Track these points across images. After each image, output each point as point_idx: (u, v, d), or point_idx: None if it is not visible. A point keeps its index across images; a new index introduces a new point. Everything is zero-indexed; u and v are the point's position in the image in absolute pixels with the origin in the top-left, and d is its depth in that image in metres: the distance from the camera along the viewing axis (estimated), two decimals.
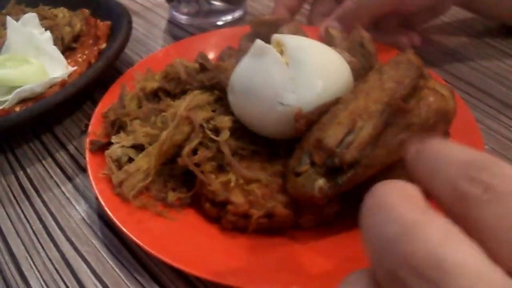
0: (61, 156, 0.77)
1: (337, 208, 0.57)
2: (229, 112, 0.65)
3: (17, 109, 0.79)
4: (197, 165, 0.61)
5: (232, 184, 0.59)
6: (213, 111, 0.67)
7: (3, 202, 0.71)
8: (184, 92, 0.71)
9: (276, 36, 0.63)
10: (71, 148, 0.79)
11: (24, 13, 0.99)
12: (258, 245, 0.58)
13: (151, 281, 0.59)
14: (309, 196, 0.52)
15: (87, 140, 0.70)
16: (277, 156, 0.62)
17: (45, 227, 0.67)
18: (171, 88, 0.73)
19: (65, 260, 0.62)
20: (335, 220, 0.58)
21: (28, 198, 0.71)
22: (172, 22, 1.11)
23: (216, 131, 0.63)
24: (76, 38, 0.97)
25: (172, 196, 0.63)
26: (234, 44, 0.85)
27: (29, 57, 0.86)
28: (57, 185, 0.73)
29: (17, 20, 0.93)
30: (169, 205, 0.63)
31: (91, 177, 0.64)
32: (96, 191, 0.62)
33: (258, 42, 0.61)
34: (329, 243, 0.57)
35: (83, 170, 0.74)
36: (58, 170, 0.75)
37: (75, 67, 0.87)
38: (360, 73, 0.66)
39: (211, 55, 0.85)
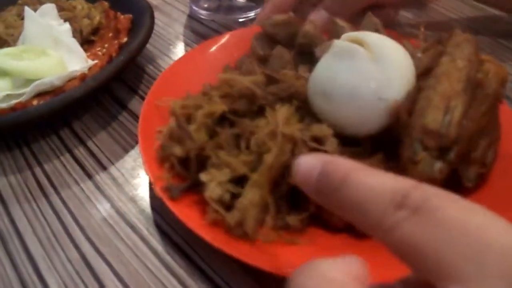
0: (80, 152, 0.75)
1: None
2: (316, 120, 0.63)
3: (35, 102, 0.77)
4: None
5: None
6: (301, 120, 0.64)
7: (19, 199, 0.68)
8: (261, 110, 0.65)
9: (352, 34, 0.64)
10: (90, 144, 0.77)
11: (41, 3, 0.97)
12: None
13: (177, 284, 0.57)
14: (432, 179, 0.56)
15: (157, 188, 0.60)
16: (366, 152, 0.63)
17: (63, 226, 0.64)
18: (244, 107, 0.65)
19: (85, 261, 0.60)
20: None
21: (45, 195, 0.69)
22: (192, 17, 1.09)
23: (316, 141, 0.60)
24: (95, 31, 0.95)
25: (293, 220, 0.59)
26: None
27: (47, 49, 0.83)
28: (76, 182, 0.70)
29: (34, 10, 0.91)
30: (290, 230, 0.60)
31: (194, 229, 0.57)
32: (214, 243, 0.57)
33: (343, 43, 0.62)
34: None
35: (104, 167, 0.72)
36: (77, 167, 0.73)
37: (96, 61, 0.85)
38: None
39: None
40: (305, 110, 0.65)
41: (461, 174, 0.62)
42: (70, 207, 0.67)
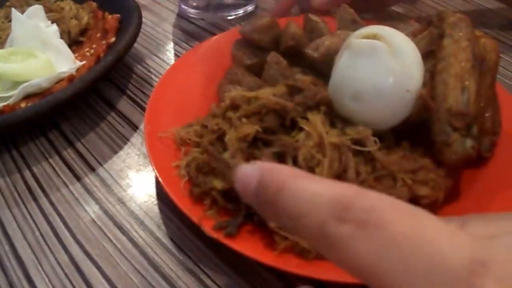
0: (69, 154, 0.75)
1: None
2: (346, 122, 0.63)
3: (23, 105, 0.77)
4: (362, 182, 0.59)
5: (403, 182, 0.59)
6: (332, 125, 0.63)
7: (8, 203, 0.68)
8: (293, 123, 0.63)
9: (365, 31, 0.64)
10: (79, 145, 0.76)
11: (29, 5, 0.97)
12: None
13: (166, 286, 0.57)
14: (467, 157, 0.59)
15: (207, 229, 0.57)
16: (393, 144, 0.64)
17: (53, 228, 0.64)
18: (275, 124, 0.63)
19: (74, 264, 0.60)
20: None
21: (34, 198, 0.69)
22: (181, 16, 1.09)
23: (356, 143, 0.60)
24: (83, 31, 0.95)
25: None
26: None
27: (35, 51, 0.83)
28: (65, 184, 0.70)
29: (22, 12, 0.91)
30: None
31: (267, 262, 0.54)
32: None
33: (362, 41, 0.62)
34: None
35: (92, 169, 0.73)
36: (65, 169, 0.73)
37: (84, 62, 0.85)
38: None
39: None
40: (332, 114, 0.64)
41: (479, 146, 0.64)
42: (59, 210, 0.67)
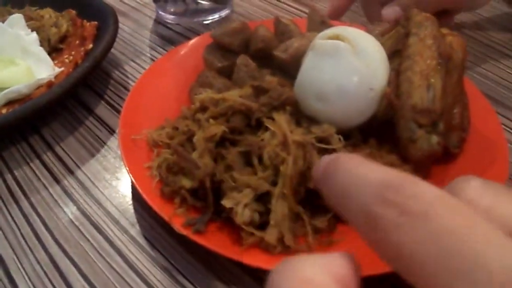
0: (48, 158, 0.77)
1: None
2: (311, 121, 0.65)
3: (4, 111, 0.79)
4: None
5: None
6: (298, 125, 0.65)
7: None
8: (259, 123, 0.65)
9: (329, 31, 0.67)
10: (58, 149, 0.78)
11: (10, 13, 0.99)
12: None
13: (140, 282, 0.59)
14: (433, 153, 0.61)
15: (177, 226, 0.59)
16: (359, 141, 0.66)
17: (32, 229, 0.66)
18: (242, 124, 0.65)
19: (53, 262, 0.62)
20: None
21: (16, 200, 0.71)
22: (159, 21, 1.11)
23: (321, 141, 0.61)
24: (63, 39, 0.97)
25: (321, 222, 0.60)
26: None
27: (16, 59, 0.86)
28: (45, 187, 0.72)
29: (3, 21, 0.93)
30: (321, 233, 0.60)
31: (235, 257, 0.57)
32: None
33: (325, 41, 0.65)
34: None
35: (71, 172, 0.75)
36: (45, 172, 0.75)
37: (62, 68, 0.87)
38: None
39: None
40: (298, 113, 0.66)
41: (446, 142, 0.66)
42: (39, 211, 0.69)
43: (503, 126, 0.75)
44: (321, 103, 0.64)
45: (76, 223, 0.67)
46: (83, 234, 0.65)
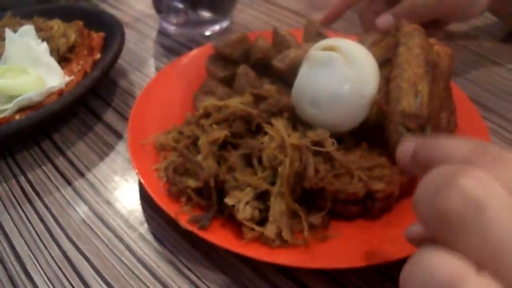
0: (60, 162, 0.81)
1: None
2: (307, 125, 0.69)
3: (17, 117, 0.82)
4: (321, 179, 0.64)
5: (359, 178, 0.64)
6: (294, 129, 0.69)
7: (6, 205, 0.74)
8: (258, 128, 0.70)
9: (324, 43, 0.71)
10: (69, 154, 0.82)
11: (20, 25, 1.02)
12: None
13: (149, 275, 0.63)
14: None
15: (183, 223, 0.63)
16: (352, 145, 0.70)
17: (47, 228, 0.70)
18: (243, 129, 0.70)
19: (67, 258, 0.66)
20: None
21: (29, 201, 0.74)
22: (162, 32, 1.15)
23: (316, 144, 0.66)
24: (71, 49, 1.00)
25: (316, 219, 0.64)
26: None
27: (27, 68, 0.89)
28: (57, 188, 0.76)
29: (14, 32, 0.96)
30: (316, 229, 0.64)
31: (238, 250, 0.61)
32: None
33: (319, 52, 0.69)
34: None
35: (82, 174, 0.78)
36: (57, 175, 0.78)
37: (72, 77, 0.90)
38: None
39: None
40: (295, 119, 0.71)
41: None
42: (52, 211, 0.73)
43: (490, 130, 0.79)
44: (315, 109, 0.68)
45: (88, 222, 0.71)
46: (94, 232, 0.69)
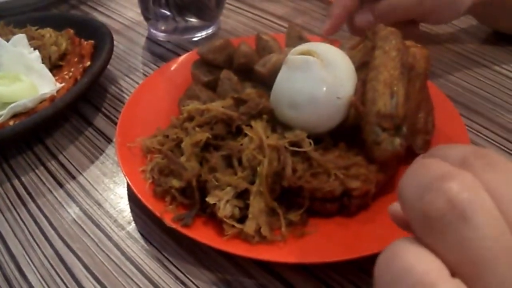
0: (52, 165, 0.84)
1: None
2: (286, 127, 0.72)
3: (11, 122, 0.85)
4: (299, 178, 0.67)
5: (336, 177, 0.67)
6: (273, 131, 0.72)
7: (0, 207, 0.77)
8: (239, 130, 0.72)
9: (301, 47, 0.73)
10: (61, 157, 0.85)
11: (13, 33, 1.05)
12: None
13: (136, 272, 0.66)
14: (395, 153, 0.66)
15: (168, 221, 0.66)
16: (330, 144, 0.72)
17: (40, 228, 0.73)
18: (224, 131, 0.72)
19: (59, 256, 0.69)
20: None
21: (23, 203, 0.77)
22: (150, 39, 1.17)
23: (294, 145, 0.68)
24: (62, 56, 1.03)
25: (295, 216, 0.67)
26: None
27: (20, 75, 0.92)
28: (50, 191, 0.79)
29: (7, 40, 0.99)
30: (294, 226, 0.67)
31: (218, 246, 0.64)
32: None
33: (296, 57, 0.72)
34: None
35: (73, 177, 0.81)
36: (50, 178, 0.81)
37: (63, 84, 0.93)
38: None
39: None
40: (274, 121, 0.73)
41: (412, 144, 0.73)
42: (45, 212, 0.76)
43: (469, 129, 0.82)
44: (294, 111, 0.71)
45: (79, 222, 0.74)
46: (85, 231, 0.72)
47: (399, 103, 0.66)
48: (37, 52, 1.00)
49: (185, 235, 0.65)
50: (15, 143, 0.88)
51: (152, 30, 1.17)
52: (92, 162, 0.84)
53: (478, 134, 0.87)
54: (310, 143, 0.69)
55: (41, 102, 0.89)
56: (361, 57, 0.74)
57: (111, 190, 0.79)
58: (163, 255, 0.68)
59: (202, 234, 0.65)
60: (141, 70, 1.07)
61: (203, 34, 1.16)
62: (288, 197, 0.69)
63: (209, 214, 0.67)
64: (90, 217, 0.75)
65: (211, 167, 0.69)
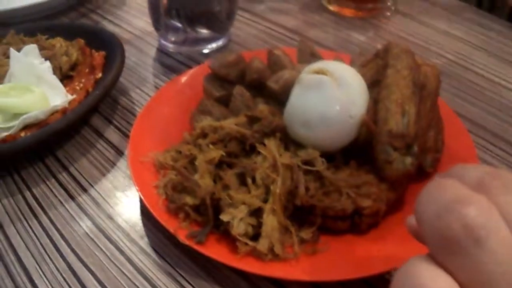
0: (64, 177, 0.84)
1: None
2: (298, 145, 0.73)
3: (22, 134, 0.85)
4: (311, 197, 0.67)
5: (348, 195, 0.67)
6: (286, 149, 0.73)
7: (12, 219, 0.77)
8: (252, 148, 0.73)
9: (314, 66, 0.74)
10: (72, 170, 0.85)
11: (23, 43, 1.05)
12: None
13: (149, 287, 0.67)
14: (406, 172, 0.67)
15: (181, 238, 0.67)
16: (341, 163, 0.73)
17: (52, 241, 0.73)
18: (237, 149, 0.74)
19: (71, 269, 0.69)
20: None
21: (35, 215, 0.78)
22: (160, 50, 1.17)
23: (306, 163, 0.69)
24: (73, 67, 1.03)
25: (306, 234, 0.68)
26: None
27: (31, 86, 0.91)
28: (61, 203, 0.79)
29: (17, 50, 0.99)
30: (306, 243, 0.68)
31: (231, 264, 0.65)
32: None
33: (310, 76, 0.72)
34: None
35: (84, 190, 0.82)
36: (61, 190, 0.82)
37: (74, 96, 0.93)
38: None
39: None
40: (286, 139, 0.74)
41: (422, 163, 0.73)
42: (57, 225, 0.76)
43: (475, 144, 0.81)
44: (307, 130, 0.71)
45: (91, 235, 0.74)
46: (97, 245, 0.73)
47: (410, 123, 0.67)
48: (48, 62, 1.00)
49: (199, 252, 0.65)
50: (27, 155, 0.88)
51: (162, 41, 1.17)
52: (104, 175, 0.84)
53: (486, 150, 0.87)
54: (323, 162, 0.69)
55: (52, 114, 0.89)
56: (373, 75, 0.75)
57: (123, 204, 0.79)
58: (176, 271, 0.69)
59: (216, 251, 0.66)
60: (152, 82, 1.07)
61: (213, 45, 1.16)
62: (300, 214, 0.69)
63: (223, 232, 0.68)
64: (102, 231, 0.75)
65: (225, 185, 0.69)
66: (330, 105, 0.70)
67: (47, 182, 0.84)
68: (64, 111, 0.89)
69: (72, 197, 0.81)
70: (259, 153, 0.71)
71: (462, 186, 0.34)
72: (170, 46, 1.16)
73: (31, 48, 1.01)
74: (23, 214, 0.78)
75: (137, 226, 0.75)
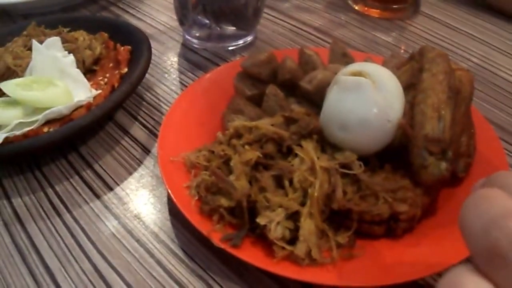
0: (88, 175, 0.82)
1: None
2: (335, 148, 0.71)
3: (45, 129, 0.82)
4: (348, 201, 0.66)
5: (384, 200, 0.66)
6: (323, 151, 0.71)
7: (34, 218, 0.75)
8: (289, 150, 0.71)
9: (352, 68, 0.72)
10: (97, 167, 0.83)
11: (45, 35, 1.03)
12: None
13: None
14: (441, 177, 0.66)
15: (216, 240, 0.65)
16: (377, 166, 0.71)
17: (76, 241, 0.71)
18: (274, 151, 0.71)
19: (98, 271, 0.67)
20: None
21: (58, 214, 0.75)
22: (185, 45, 1.15)
23: (343, 167, 0.68)
24: (97, 61, 1.01)
25: (343, 238, 0.66)
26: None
27: (54, 79, 0.89)
28: (86, 201, 0.77)
29: (40, 42, 0.96)
30: (342, 247, 0.66)
31: (267, 268, 0.62)
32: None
33: (348, 78, 0.70)
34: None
35: (110, 188, 0.79)
36: (85, 188, 0.79)
37: (99, 91, 0.91)
38: None
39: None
40: (323, 141, 0.72)
41: (454, 167, 0.71)
42: (82, 224, 0.74)
43: (505, 151, 0.80)
44: (344, 133, 0.69)
45: (118, 236, 0.72)
46: (124, 246, 0.70)
47: (446, 128, 0.66)
48: (71, 56, 0.98)
49: (232, 255, 0.63)
50: (49, 151, 0.86)
51: (186, 36, 1.16)
52: (130, 173, 0.82)
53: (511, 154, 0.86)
54: (360, 165, 0.68)
55: (76, 109, 0.87)
56: (408, 78, 0.74)
57: (151, 204, 0.77)
58: (208, 274, 0.67)
59: (251, 255, 0.64)
60: (178, 78, 1.05)
61: (239, 42, 1.14)
62: (336, 218, 0.67)
63: (258, 235, 0.66)
64: (129, 232, 0.73)
65: (261, 187, 0.67)
66: (368, 108, 0.68)
67: (71, 180, 0.81)
68: (88, 106, 0.87)
69: (97, 196, 0.78)
70: (295, 155, 0.70)
71: (509, 197, 0.33)
72: (195, 42, 1.14)
73: (54, 41, 0.99)
74: (45, 212, 0.76)
75: (166, 227, 0.73)
